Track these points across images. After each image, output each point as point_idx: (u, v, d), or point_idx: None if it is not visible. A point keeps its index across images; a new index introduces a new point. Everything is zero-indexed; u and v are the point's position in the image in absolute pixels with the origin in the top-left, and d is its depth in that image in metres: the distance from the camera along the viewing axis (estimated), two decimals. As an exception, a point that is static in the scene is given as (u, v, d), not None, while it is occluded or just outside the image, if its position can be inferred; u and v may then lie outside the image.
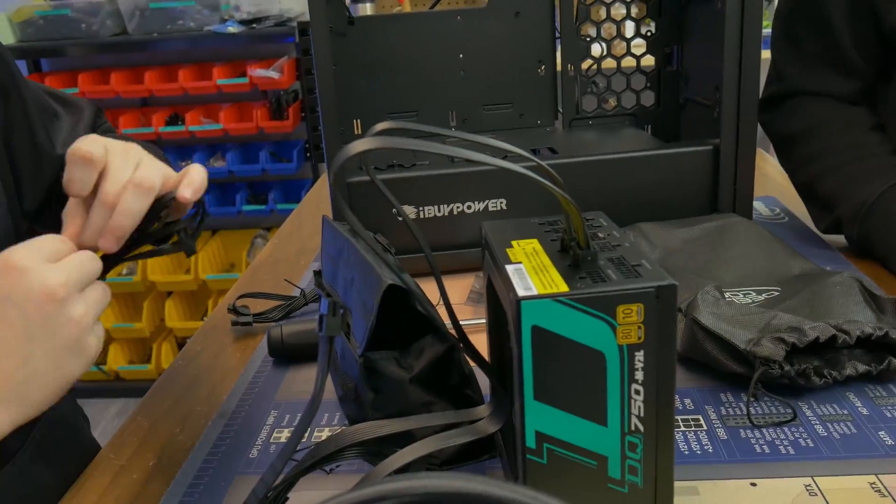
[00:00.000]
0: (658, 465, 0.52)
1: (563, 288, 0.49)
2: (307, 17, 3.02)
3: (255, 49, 2.95)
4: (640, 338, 0.49)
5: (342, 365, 0.68)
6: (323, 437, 0.64)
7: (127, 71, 2.86)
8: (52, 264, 0.54)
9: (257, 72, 2.74)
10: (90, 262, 0.56)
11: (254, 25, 2.72)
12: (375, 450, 0.56)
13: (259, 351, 0.86)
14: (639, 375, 0.50)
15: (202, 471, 0.66)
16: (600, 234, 0.58)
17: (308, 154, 2.99)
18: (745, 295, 0.81)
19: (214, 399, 0.78)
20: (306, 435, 0.67)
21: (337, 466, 0.64)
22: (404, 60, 1.15)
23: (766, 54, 2.95)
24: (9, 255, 0.53)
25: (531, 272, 0.52)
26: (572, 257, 0.53)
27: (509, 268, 0.53)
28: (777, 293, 0.80)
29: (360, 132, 1.18)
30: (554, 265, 0.53)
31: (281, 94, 2.84)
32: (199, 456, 0.68)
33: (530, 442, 0.51)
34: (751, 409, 0.68)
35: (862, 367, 0.68)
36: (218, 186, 3.04)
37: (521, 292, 0.49)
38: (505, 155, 0.53)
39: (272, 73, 2.74)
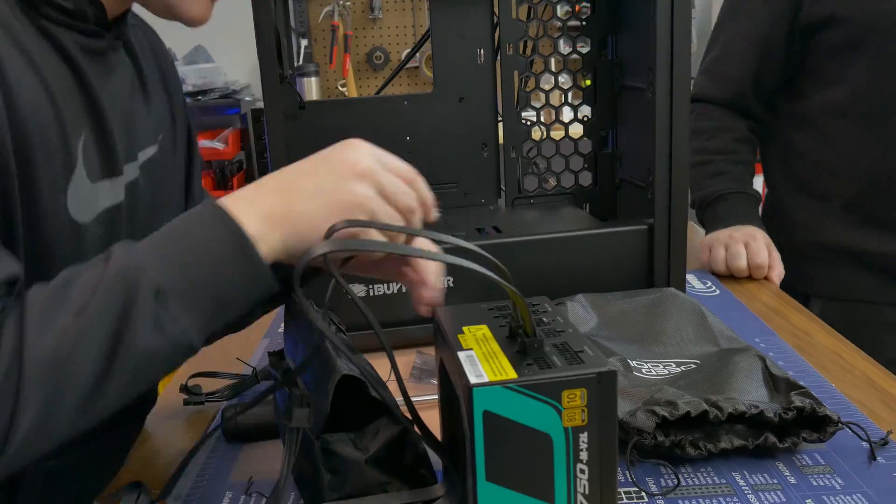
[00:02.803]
0: (603, 540, 0.55)
1: (512, 374, 0.53)
2: (253, 91, 3.07)
3: (200, 120, 2.98)
4: (583, 420, 0.53)
5: (299, 446, 0.70)
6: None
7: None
8: (383, 168, 0.60)
9: (202, 142, 2.76)
10: (405, 191, 0.61)
11: (199, 97, 2.75)
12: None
13: (212, 429, 0.88)
14: (583, 456, 0.54)
15: (159, 555, 0.67)
16: (545, 320, 0.63)
17: (252, 223, 3.01)
18: (664, 367, 0.86)
19: (163, 478, 0.79)
20: (263, 516, 0.68)
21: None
22: (353, 142, 1.20)
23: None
24: (357, 142, 0.62)
25: (482, 359, 0.55)
26: (520, 344, 0.57)
27: (461, 354, 0.56)
28: (694, 366, 0.86)
29: (310, 210, 1.21)
30: (503, 351, 0.56)
31: (225, 165, 2.87)
32: (155, 540, 0.69)
33: (483, 521, 0.54)
34: (682, 480, 0.72)
35: (738, 442, 0.74)
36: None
37: (473, 379, 0.52)
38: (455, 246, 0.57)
39: (217, 144, 2.77)
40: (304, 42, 2.92)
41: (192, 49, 2.88)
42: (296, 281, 0.54)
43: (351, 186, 0.59)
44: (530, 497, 0.54)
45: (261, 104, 2.52)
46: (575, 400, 0.53)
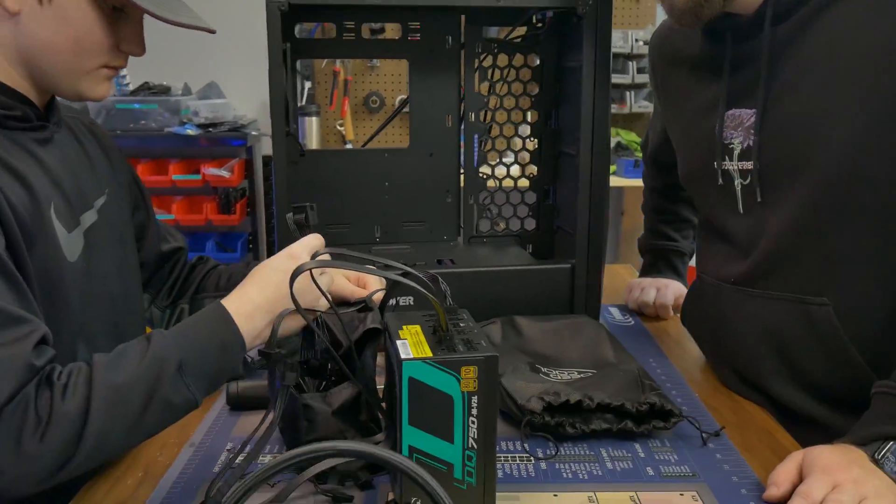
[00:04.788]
0: (486, 471, 0.82)
1: (429, 354, 0.80)
2: (259, 126, 3.34)
3: (209, 150, 3.26)
4: (475, 388, 0.80)
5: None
6: (267, 461, 0.92)
7: (88, 161, 3.13)
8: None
9: (210, 170, 3.04)
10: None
11: (210, 129, 3.04)
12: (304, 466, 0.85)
13: (218, 402, 1.14)
14: (474, 411, 0.81)
15: (179, 478, 0.93)
16: (461, 325, 0.90)
17: (251, 245, 3.28)
18: (567, 373, 1.13)
19: (184, 435, 1.05)
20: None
21: (278, 481, 0.92)
22: (342, 184, 1.47)
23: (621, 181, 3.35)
24: (292, 247, 0.92)
25: (412, 344, 0.82)
26: (438, 337, 0.84)
27: (398, 342, 0.83)
28: (591, 374, 1.12)
29: (303, 238, 1.48)
30: (426, 341, 0.83)
31: (230, 191, 3.14)
32: (176, 469, 0.95)
33: (405, 452, 0.80)
34: (562, 450, 0.99)
35: (605, 425, 1.01)
36: (164, 271, 3.29)
37: (403, 355, 0.79)
38: (405, 273, 0.84)
39: (223, 172, 3.04)
40: (307, 84, 3.21)
41: (205, 85, 3.17)
42: (291, 290, 0.81)
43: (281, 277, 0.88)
44: (437, 437, 0.80)
45: (266, 138, 2.80)
46: (469, 373, 0.80)
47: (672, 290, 1.53)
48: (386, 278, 0.91)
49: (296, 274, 0.82)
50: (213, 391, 0.87)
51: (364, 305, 0.96)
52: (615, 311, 1.55)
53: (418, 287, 0.84)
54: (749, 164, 1.11)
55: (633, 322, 1.50)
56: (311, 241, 0.94)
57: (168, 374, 0.80)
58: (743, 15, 1.10)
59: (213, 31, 0.98)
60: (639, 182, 3.14)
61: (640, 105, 3.28)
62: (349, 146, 3.23)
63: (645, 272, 1.61)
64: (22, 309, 0.79)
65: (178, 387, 0.81)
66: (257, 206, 3.26)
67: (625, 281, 1.78)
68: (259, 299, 0.87)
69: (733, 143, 1.13)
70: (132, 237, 1.16)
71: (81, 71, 0.93)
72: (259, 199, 3.27)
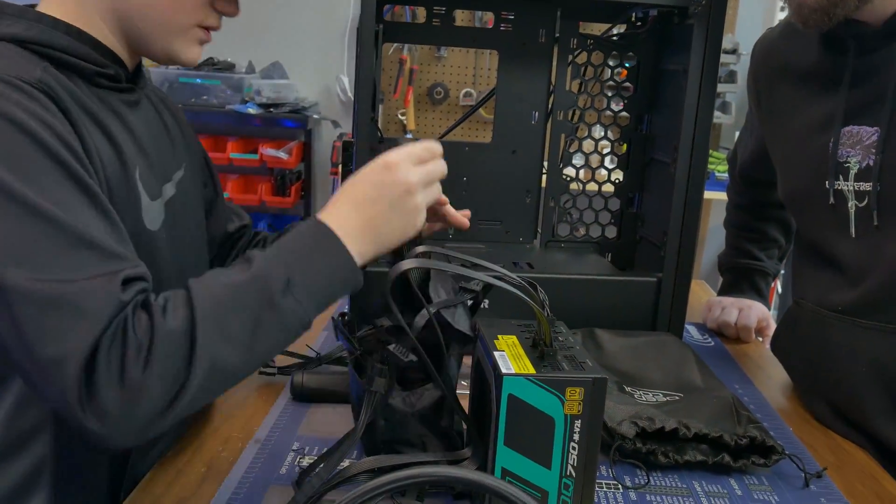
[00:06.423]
0: (583, 501, 0.75)
1: (532, 370, 0.73)
2: (320, 109, 3.30)
3: (269, 130, 3.22)
4: (579, 411, 0.73)
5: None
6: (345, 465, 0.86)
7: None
8: (415, 167, 0.82)
9: (268, 150, 3.00)
10: (440, 169, 0.85)
11: (271, 109, 3.00)
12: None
13: (282, 397, 1.09)
14: (576, 437, 0.74)
15: (245, 477, 0.88)
16: (560, 338, 0.83)
17: (302, 229, 3.25)
18: (653, 395, 1.05)
19: (248, 429, 1.00)
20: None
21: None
22: (418, 176, 1.41)
23: (710, 195, 3.28)
24: (388, 155, 0.83)
25: (511, 358, 0.76)
26: (539, 351, 0.77)
27: (496, 353, 0.77)
28: (678, 398, 1.05)
29: (374, 228, 1.42)
30: (526, 355, 0.77)
31: (286, 173, 3.11)
32: (241, 467, 0.90)
33: (497, 474, 0.74)
34: (652, 480, 0.92)
35: (700, 457, 0.93)
36: (214, 248, 3.26)
37: (504, 370, 0.73)
38: (499, 276, 0.78)
39: (281, 154, 3.01)
40: (372, 70, 3.16)
41: (269, 64, 3.13)
42: (388, 287, 0.75)
43: (409, 204, 0.81)
44: (534, 461, 0.74)
45: (325, 122, 2.75)
46: (575, 395, 0.73)
47: (755, 311, 1.45)
48: (482, 281, 0.84)
49: (394, 272, 0.76)
50: (325, 309, 0.78)
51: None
52: (693, 330, 1.47)
53: (522, 295, 0.78)
54: (867, 185, 1.03)
55: (713, 343, 1.42)
56: (413, 150, 0.83)
57: (276, 290, 0.72)
58: (870, 25, 1.02)
59: None
60: (709, 195, 3.07)
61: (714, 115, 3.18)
62: (409, 136, 3.18)
63: (725, 291, 1.52)
64: (119, 247, 0.73)
65: (288, 303, 0.73)
66: (312, 190, 3.22)
67: (697, 297, 1.70)
68: (356, 220, 0.79)
69: (849, 162, 1.05)
70: (203, 214, 1.13)
71: (177, 29, 0.89)
72: (315, 182, 3.23)
